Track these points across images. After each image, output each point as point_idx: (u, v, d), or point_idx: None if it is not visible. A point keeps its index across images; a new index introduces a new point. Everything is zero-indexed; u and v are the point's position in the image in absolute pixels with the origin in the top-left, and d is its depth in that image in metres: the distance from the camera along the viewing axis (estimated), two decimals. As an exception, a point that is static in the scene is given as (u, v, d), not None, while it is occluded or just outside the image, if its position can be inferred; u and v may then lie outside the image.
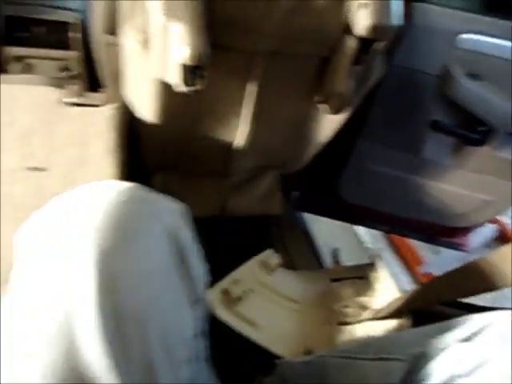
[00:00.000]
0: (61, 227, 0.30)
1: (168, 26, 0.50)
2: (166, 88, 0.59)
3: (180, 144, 0.76)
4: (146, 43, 0.59)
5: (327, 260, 1.13)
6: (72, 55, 0.95)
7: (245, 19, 0.55)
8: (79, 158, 0.59)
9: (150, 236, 0.31)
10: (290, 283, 0.85)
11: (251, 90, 0.67)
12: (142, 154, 0.81)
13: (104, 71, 0.88)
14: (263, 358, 0.66)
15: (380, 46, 0.61)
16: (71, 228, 0.30)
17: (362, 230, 1.47)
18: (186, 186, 0.86)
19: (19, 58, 0.91)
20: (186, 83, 0.52)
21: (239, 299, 0.69)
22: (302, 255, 1.10)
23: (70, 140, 0.61)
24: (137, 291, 0.29)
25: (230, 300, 0.67)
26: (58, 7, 0.93)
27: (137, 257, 0.30)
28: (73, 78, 0.97)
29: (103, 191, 0.32)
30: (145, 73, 0.61)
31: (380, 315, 0.63)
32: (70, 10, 0.94)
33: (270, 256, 0.87)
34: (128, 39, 0.63)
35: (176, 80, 0.52)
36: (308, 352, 0.67)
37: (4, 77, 0.71)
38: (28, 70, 0.93)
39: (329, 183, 1.08)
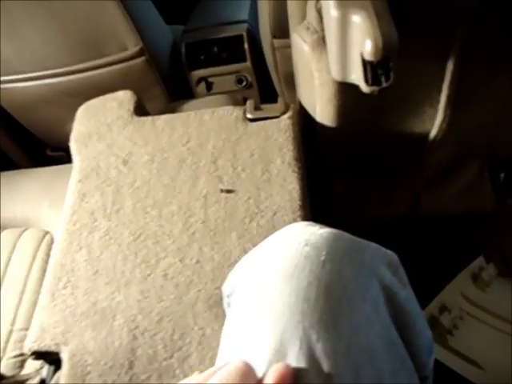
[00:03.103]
0: (265, 290, 0.28)
1: (345, 19, 0.43)
2: (346, 88, 0.52)
3: (363, 143, 0.68)
4: (318, 44, 0.53)
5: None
6: (245, 66, 0.98)
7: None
8: (262, 175, 0.58)
9: (368, 301, 0.25)
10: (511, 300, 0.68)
11: (452, 69, 0.53)
12: (322, 157, 0.77)
13: (277, 77, 0.87)
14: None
15: None
16: (276, 294, 0.27)
17: None
18: (371, 187, 0.78)
19: (202, 79, 0.99)
20: (372, 82, 0.44)
21: (451, 329, 0.57)
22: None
23: (252, 158, 0.60)
24: (356, 378, 0.24)
25: (441, 332, 0.56)
26: (229, 23, 0.97)
27: (354, 333, 0.24)
28: (248, 88, 1.00)
29: (302, 245, 0.28)
30: (320, 75, 0.56)
31: None
32: (240, 22, 0.97)
33: (482, 266, 0.71)
34: (299, 41, 0.58)
35: (360, 80, 0.44)
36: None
37: (190, 103, 0.77)
38: (210, 88, 1.00)
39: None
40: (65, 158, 1.13)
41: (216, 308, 0.49)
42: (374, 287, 0.27)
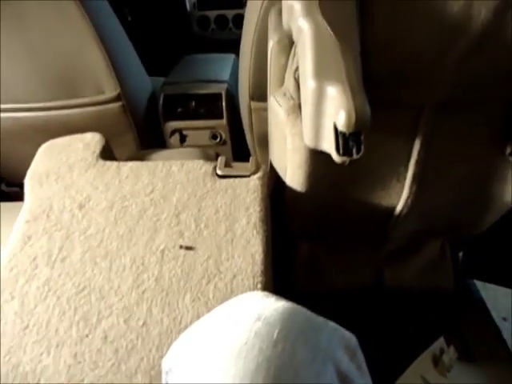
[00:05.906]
0: (207, 370, 0.25)
1: (321, 90, 0.44)
2: (318, 156, 0.52)
3: (330, 211, 0.68)
4: (294, 110, 0.54)
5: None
6: (221, 123, 0.99)
7: (414, 70, 0.46)
8: (225, 235, 0.56)
9: None
10: (473, 387, 0.65)
11: (418, 149, 0.55)
12: (287, 221, 0.75)
13: (252, 137, 0.88)
14: None
15: None
16: (219, 376, 0.23)
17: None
18: (334, 255, 0.77)
19: (176, 131, 0.98)
20: (344, 152, 0.44)
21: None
22: (483, 340, 0.86)
23: (217, 215, 0.58)
24: None
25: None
26: (210, 81, 0.99)
27: None
28: (222, 144, 1.00)
29: (253, 320, 0.25)
30: (293, 140, 0.56)
31: None
32: (221, 81, 0.99)
33: (443, 348, 0.69)
34: (275, 105, 0.59)
35: (332, 149, 0.44)
36: None
37: (160, 153, 0.75)
38: (183, 140, 1.00)
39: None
40: (20, 194, 1.06)
41: (158, 380, 0.43)
42: (329, 373, 0.24)
